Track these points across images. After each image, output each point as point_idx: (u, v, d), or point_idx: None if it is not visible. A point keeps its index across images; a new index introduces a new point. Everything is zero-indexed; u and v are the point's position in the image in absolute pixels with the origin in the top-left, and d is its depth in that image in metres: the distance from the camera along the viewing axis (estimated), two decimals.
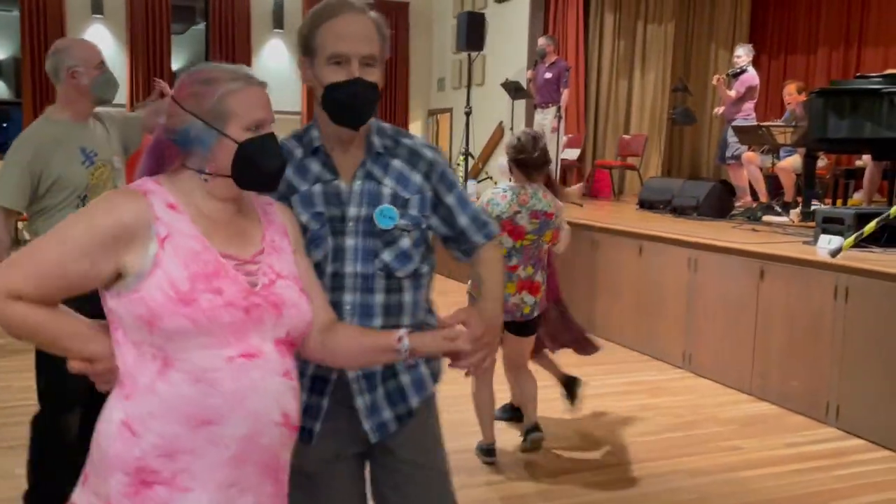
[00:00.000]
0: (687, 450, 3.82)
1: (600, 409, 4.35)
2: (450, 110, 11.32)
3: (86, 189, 2.68)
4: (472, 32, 8.48)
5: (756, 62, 10.04)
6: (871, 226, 4.17)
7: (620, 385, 4.85)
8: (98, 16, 9.97)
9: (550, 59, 8.10)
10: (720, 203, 6.68)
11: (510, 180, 3.66)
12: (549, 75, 8.04)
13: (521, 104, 8.95)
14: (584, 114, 9.47)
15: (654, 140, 9.76)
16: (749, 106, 7.63)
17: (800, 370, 4.41)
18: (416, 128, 12.13)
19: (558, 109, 7.88)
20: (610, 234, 5.96)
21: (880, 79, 5.35)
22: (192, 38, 11.30)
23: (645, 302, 5.58)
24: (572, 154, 9.08)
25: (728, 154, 7.70)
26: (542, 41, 8.20)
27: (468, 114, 8.83)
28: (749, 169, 7.24)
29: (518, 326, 3.54)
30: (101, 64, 2.75)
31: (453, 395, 4.24)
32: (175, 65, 10.82)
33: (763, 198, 7.07)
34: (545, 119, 8.12)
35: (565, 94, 7.99)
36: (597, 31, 9.67)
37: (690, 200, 6.72)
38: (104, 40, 10.02)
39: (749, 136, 6.66)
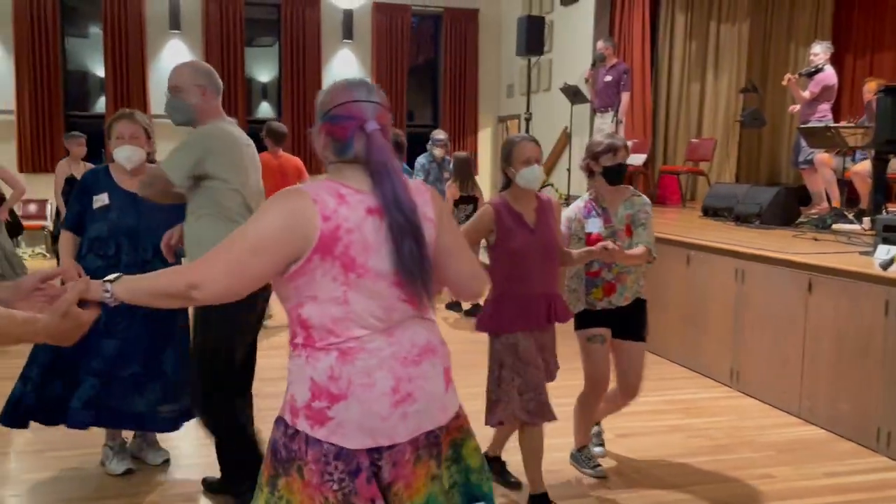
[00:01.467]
0: (709, 477, 3.56)
1: (626, 429, 4.12)
2: (518, 116, 11.15)
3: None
4: (532, 37, 8.32)
5: (839, 61, 9.48)
6: None
7: (655, 403, 4.58)
8: (175, 31, 10.36)
9: (610, 62, 7.83)
10: (785, 210, 6.26)
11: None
12: (608, 78, 7.78)
13: (584, 110, 8.70)
14: (651, 118, 9.11)
15: (728, 144, 9.30)
16: (825, 107, 7.14)
17: (849, 392, 4.04)
18: (485, 135, 12.03)
19: (616, 112, 7.60)
20: (658, 242, 5.67)
21: None
22: (267, 50, 11.58)
23: (692, 315, 5.28)
24: (638, 160, 8.74)
25: (801, 158, 7.23)
26: (600, 44, 7.95)
27: (528, 120, 8.66)
28: (822, 172, 6.77)
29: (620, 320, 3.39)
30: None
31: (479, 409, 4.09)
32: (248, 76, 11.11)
33: (835, 203, 6.59)
34: (605, 123, 7.86)
35: (625, 97, 7.71)
36: (667, 32, 9.30)
37: (753, 207, 6.33)
38: (181, 55, 10.41)
39: (818, 138, 6.21)
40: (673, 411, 4.47)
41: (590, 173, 3.37)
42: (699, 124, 9.40)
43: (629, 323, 3.42)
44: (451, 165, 7.08)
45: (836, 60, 9.41)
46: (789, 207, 6.30)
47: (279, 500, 1.73)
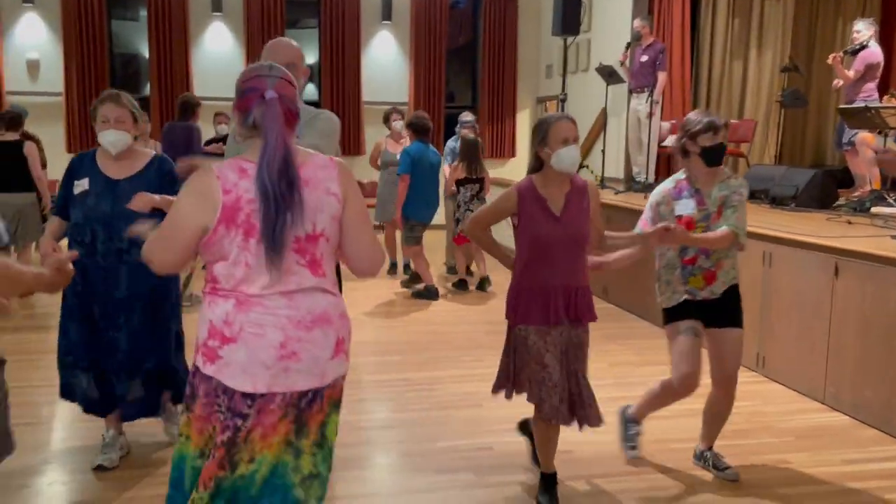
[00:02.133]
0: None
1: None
2: (556, 97, 11.04)
3: None
4: (568, 16, 8.21)
5: (888, 38, 9.15)
6: None
7: None
8: (217, 14, 10.51)
9: (647, 41, 7.70)
10: (822, 192, 6.11)
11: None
12: (644, 58, 7.65)
13: (621, 90, 8.59)
14: (690, 98, 8.93)
15: (770, 125, 9.08)
16: (871, 86, 6.91)
17: (874, 379, 3.96)
18: (523, 116, 11.95)
19: (651, 93, 7.47)
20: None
21: None
22: (306, 33, 11.67)
23: None
24: (672, 141, 8.60)
25: (844, 140, 7.04)
26: (637, 22, 7.81)
27: (563, 101, 8.57)
28: (863, 153, 6.58)
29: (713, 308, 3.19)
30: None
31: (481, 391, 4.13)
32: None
33: (875, 185, 6.40)
34: (640, 104, 7.75)
35: (661, 77, 7.58)
36: (709, 8, 9.10)
37: (789, 190, 6.20)
38: (223, 37, 10.57)
39: (857, 118, 6.03)
40: (695, 395, 4.40)
41: (684, 154, 3.12)
42: (741, 104, 9.20)
43: (724, 310, 3.20)
44: (460, 148, 7.14)
45: (884, 38, 9.12)
46: (827, 190, 6.15)
47: (184, 439, 2.03)
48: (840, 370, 4.17)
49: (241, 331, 1.92)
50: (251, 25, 10.58)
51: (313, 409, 2.00)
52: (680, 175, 3.21)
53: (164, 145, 7.14)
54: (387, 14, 11.10)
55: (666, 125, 8.51)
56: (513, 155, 11.77)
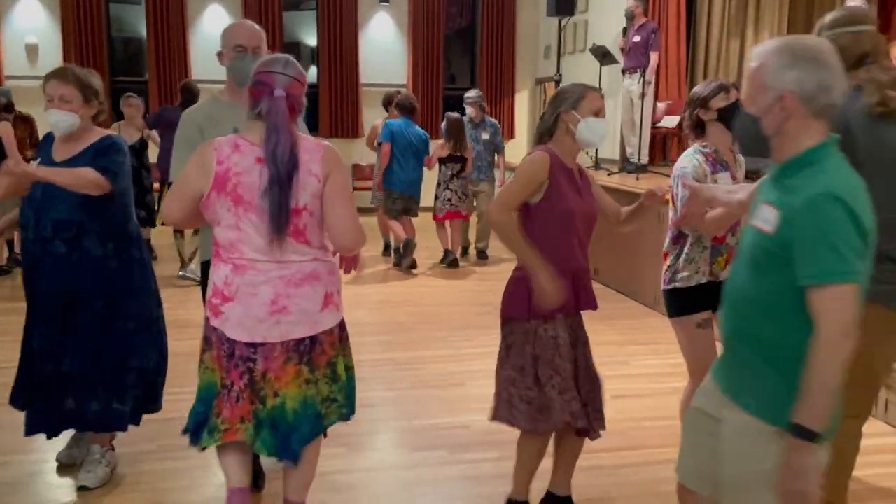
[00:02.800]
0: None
1: (625, 391, 4.17)
2: (552, 78, 11.02)
3: None
4: None
5: (888, 15, 9.07)
6: None
7: (659, 366, 4.63)
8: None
9: (639, 21, 7.68)
10: None
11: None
12: (637, 38, 7.63)
13: (616, 71, 8.57)
14: (685, 78, 8.91)
15: None
16: None
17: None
18: (522, 97, 11.93)
19: (643, 74, 7.46)
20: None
21: None
22: (305, 15, 11.67)
23: None
24: (672, 122, 8.59)
25: None
26: (630, 2, 7.79)
27: (558, 81, 8.57)
28: None
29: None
30: (239, 47, 2.77)
31: (482, 369, 4.17)
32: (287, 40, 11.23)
33: None
34: (633, 85, 7.74)
35: (654, 57, 7.56)
36: None
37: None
38: (221, 20, 10.58)
39: None
40: (676, 374, 4.48)
41: (698, 127, 2.90)
42: (738, 83, 9.15)
43: None
44: (444, 127, 7.23)
45: (882, 16, 9.03)
46: None
47: (205, 369, 2.43)
48: None
49: (237, 291, 2.28)
50: (249, 8, 10.57)
51: (316, 352, 2.38)
52: (694, 153, 2.88)
53: (155, 128, 7.18)
54: None
55: (661, 105, 8.50)
56: (511, 136, 11.75)
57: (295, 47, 11.76)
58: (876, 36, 2.44)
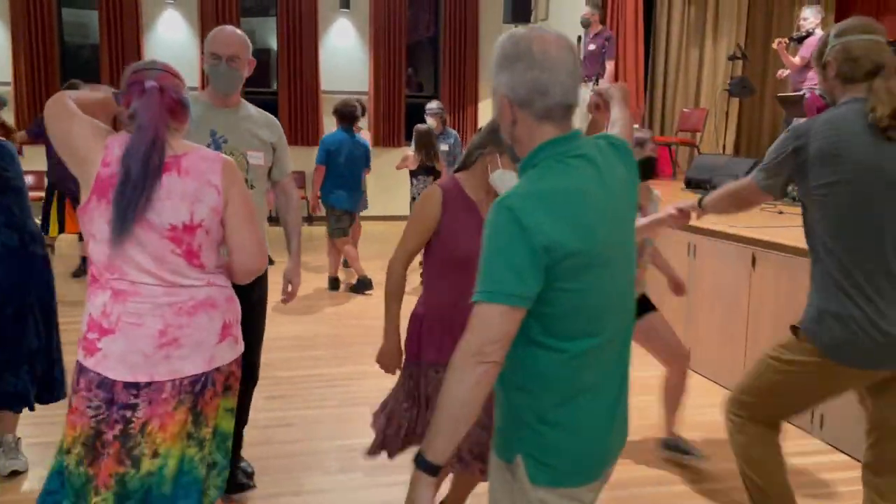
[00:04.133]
0: (625, 455, 3.45)
1: None
2: None
3: None
4: (518, 3, 8.10)
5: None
6: None
7: None
8: (170, 1, 10.32)
9: (595, 29, 7.60)
10: None
11: None
12: (592, 47, 7.56)
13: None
14: (643, 87, 8.85)
15: (725, 114, 9.01)
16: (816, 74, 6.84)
17: None
18: (486, 106, 11.83)
19: (597, 82, 7.38)
20: None
21: None
22: (263, 21, 11.51)
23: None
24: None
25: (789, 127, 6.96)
26: (585, 10, 7.71)
27: None
28: None
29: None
30: (213, 55, 2.72)
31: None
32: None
33: None
34: (588, 93, 7.64)
35: (609, 66, 7.48)
36: None
37: (730, 179, 6.12)
38: (177, 25, 10.39)
39: (795, 107, 5.97)
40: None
41: None
42: (697, 93, 9.12)
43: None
44: (414, 139, 7.00)
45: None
46: None
47: (62, 435, 1.99)
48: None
49: (118, 321, 1.92)
50: (205, 13, 10.39)
51: (206, 395, 2.00)
52: None
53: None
54: (345, 2, 10.95)
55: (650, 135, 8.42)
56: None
57: (253, 54, 11.58)
58: (888, 47, 2.28)
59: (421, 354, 2.41)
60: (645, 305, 3.40)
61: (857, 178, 2.15)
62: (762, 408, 2.46)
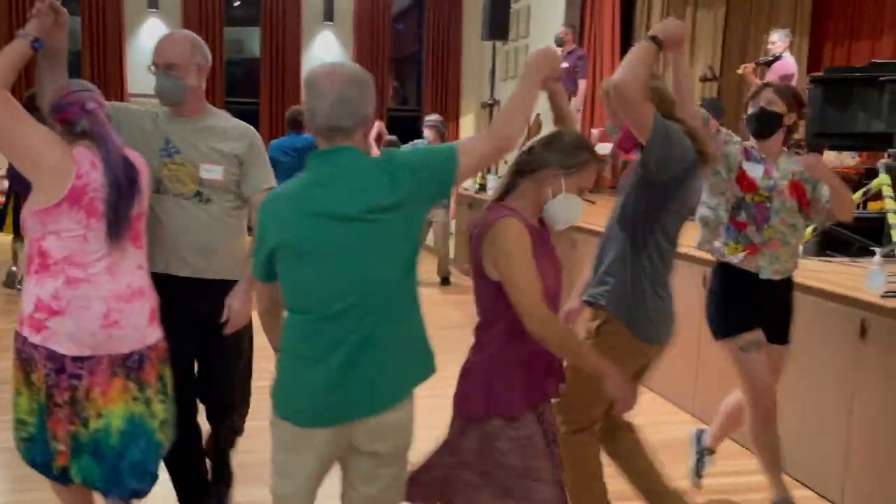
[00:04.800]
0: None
1: None
2: (498, 103, 11.01)
3: (157, 180, 2.60)
4: (497, 21, 8.19)
5: (818, 50, 9.21)
6: (808, 233, 3.65)
7: None
8: (153, 10, 10.38)
9: (569, 48, 7.68)
10: None
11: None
12: (565, 65, 7.61)
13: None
14: None
15: None
16: None
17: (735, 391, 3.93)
18: (468, 121, 11.91)
19: (570, 100, 7.45)
20: (585, 233, 5.58)
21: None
22: (248, 31, 11.57)
23: None
24: (604, 149, 8.57)
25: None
26: (560, 28, 7.80)
27: (492, 105, 8.54)
28: None
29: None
30: (153, 64, 2.60)
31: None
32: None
33: None
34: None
35: (581, 84, 7.55)
36: (643, 17, 9.09)
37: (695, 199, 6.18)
38: (160, 32, 10.39)
39: None
40: None
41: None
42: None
43: (776, 316, 2.98)
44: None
45: (813, 49, 9.17)
46: None
47: (36, 391, 2.29)
48: (708, 381, 4.14)
49: (68, 305, 2.24)
50: (188, 22, 10.45)
51: (145, 367, 2.37)
52: (744, 143, 2.98)
53: None
54: (328, 15, 11.03)
55: (595, 132, 8.48)
56: None
57: (241, 63, 11.66)
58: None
59: (491, 409, 2.08)
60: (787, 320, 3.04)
61: None
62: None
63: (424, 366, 2.05)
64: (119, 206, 2.28)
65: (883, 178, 3.48)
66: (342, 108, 1.85)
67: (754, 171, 2.85)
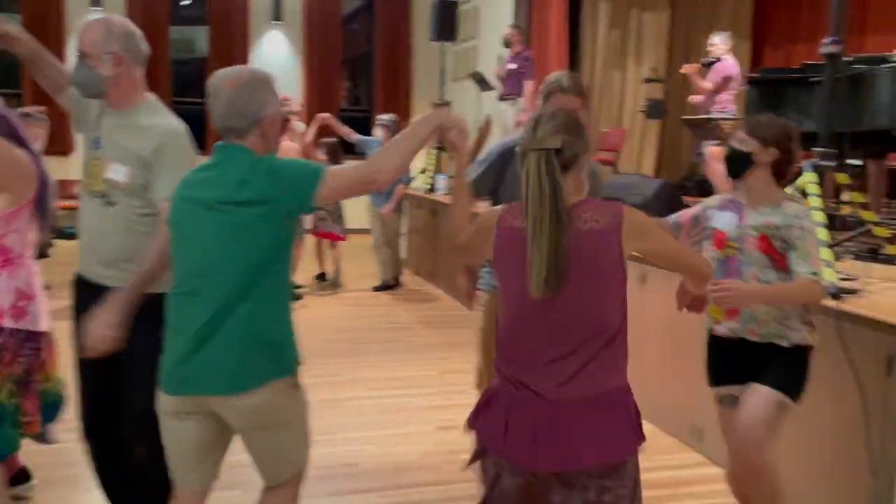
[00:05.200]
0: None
1: (455, 422, 4.06)
2: (448, 103, 11.04)
3: (85, 172, 2.51)
4: (445, 22, 8.21)
5: (759, 53, 9.44)
6: None
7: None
8: (96, 7, 10.14)
9: (515, 49, 7.73)
10: (669, 202, 6.20)
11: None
12: (513, 66, 7.69)
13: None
14: None
15: (648, 135, 9.24)
16: (726, 98, 7.08)
17: (671, 387, 4.01)
18: None
19: (515, 101, 7.51)
20: None
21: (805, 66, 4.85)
22: (195, 30, 11.41)
23: None
24: None
25: (700, 150, 7.19)
26: (507, 30, 7.85)
27: (440, 105, 8.55)
28: (713, 165, 6.72)
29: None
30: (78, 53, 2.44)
31: (321, 399, 3.94)
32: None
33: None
34: (509, 113, 7.78)
35: (528, 85, 7.61)
36: (589, 19, 9.21)
37: (637, 199, 6.26)
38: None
39: (699, 129, 6.17)
40: None
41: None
42: (619, 114, 9.34)
43: (761, 368, 2.56)
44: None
45: (755, 51, 9.38)
46: (673, 199, 6.24)
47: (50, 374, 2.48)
48: (646, 378, 4.20)
49: (36, 287, 2.42)
50: (132, 21, 10.17)
51: None
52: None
53: None
54: (277, 14, 10.92)
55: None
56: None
57: (192, 62, 11.50)
58: None
59: (635, 444, 1.91)
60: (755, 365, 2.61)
61: None
62: None
63: (279, 363, 2.09)
64: (47, 200, 2.42)
65: (808, 177, 3.57)
66: (233, 111, 2.04)
67: (723, 221, 2.59)
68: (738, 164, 2.54)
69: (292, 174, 2.05)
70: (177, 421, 2.13)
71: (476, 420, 2.00)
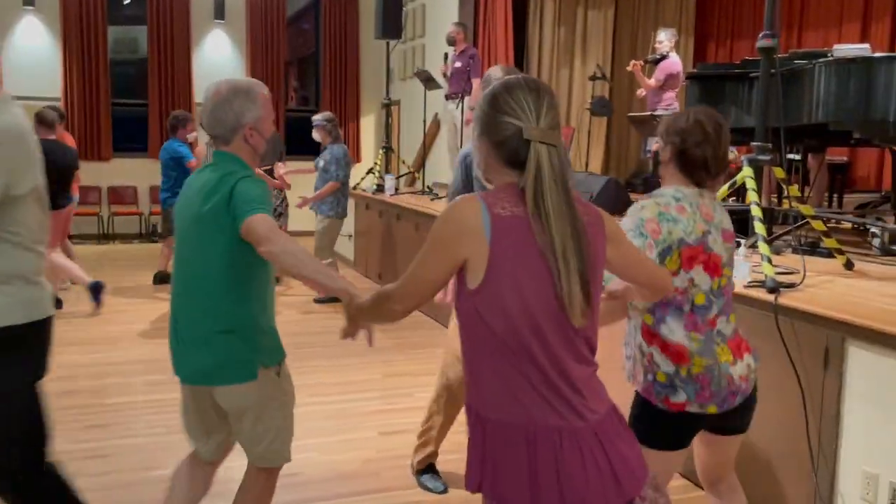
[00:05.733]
0: (449, 478, 3.43)
1: (400, 426, 3.98)
2: (398, 102, 10.95)
3: None
4: (389, 19, 8.11)
5: (703, 49, 9.55)
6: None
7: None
8: (29, 7, 9.81)
9: (460, 47, 7.67)
10: (616, 198, 6.21)
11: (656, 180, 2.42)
12: (458, 64, 7.61)
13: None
14: None
15: (595, 132, 9.27)
16: (671, 95, 7.12)
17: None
18: (368, 121, 11.80)
19: (461, 100, 7.44)
20: None
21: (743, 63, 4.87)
22: (134, 30, 11.10)
23: None
24: None
25: (646, 147, 7.22)
26: (451, 28, 7.77)
27: (387, 105, 8.45)
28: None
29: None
30: None
31: None
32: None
33: None
34: (456, 111, 7.70)
35: (475, 83, 7.54)
36: (536, 17, 9.20)
37: (584, 196, 6.26)
38: (35, 34, 9.87)
39: (644, 126, 6.18)
40: None
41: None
42: (567, 112, 9.35)
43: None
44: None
45: (698, 47, 9.49)
46: (618, 196, 6.25)
47: None
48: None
49: None
50: (68, 21, 9.94)
51: None
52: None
53: None
54: (219, 13, 10.70)
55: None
56: (358, 160, 11.57)
57: (132, 63, 11.19)
58: None
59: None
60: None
61: None
62: None
63: (236, 371, 2.26)
64: None
65: (746, 171, 3.57)
66: (213, 120, 2.25)
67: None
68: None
69: (236, 203, 2.15)
70: (187, 391, 2.42)
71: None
